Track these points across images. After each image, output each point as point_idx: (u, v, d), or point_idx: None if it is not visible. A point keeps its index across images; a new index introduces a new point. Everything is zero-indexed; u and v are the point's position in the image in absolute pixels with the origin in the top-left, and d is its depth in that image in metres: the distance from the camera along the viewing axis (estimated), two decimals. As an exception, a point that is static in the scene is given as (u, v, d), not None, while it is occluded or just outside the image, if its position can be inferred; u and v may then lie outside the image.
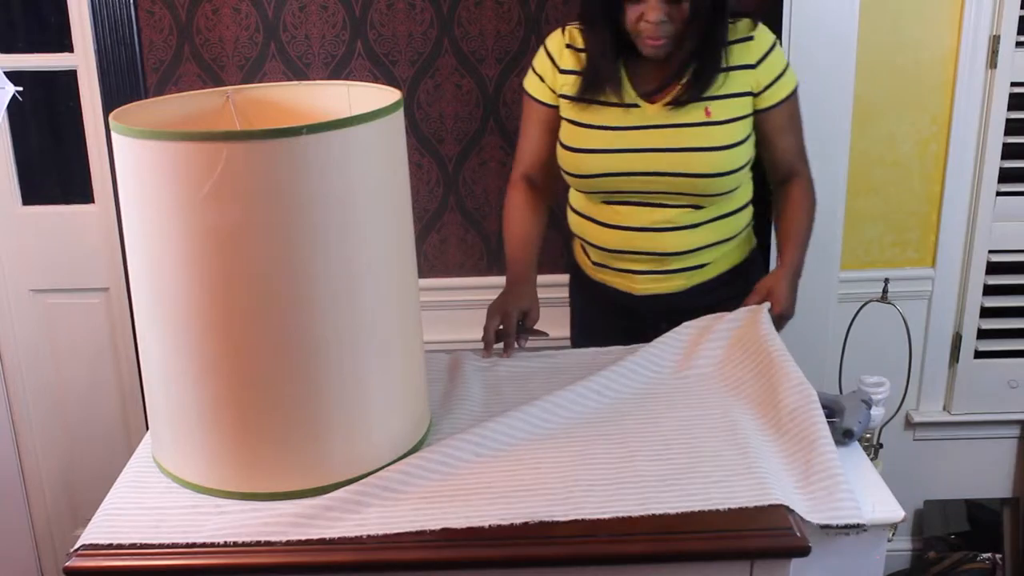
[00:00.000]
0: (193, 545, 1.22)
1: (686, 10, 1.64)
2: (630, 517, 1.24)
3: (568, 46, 1.80)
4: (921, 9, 2.19)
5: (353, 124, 1.21)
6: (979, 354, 2.44)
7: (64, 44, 2.30)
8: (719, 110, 1.73)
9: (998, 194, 2.31)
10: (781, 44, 2.13)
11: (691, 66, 1.71)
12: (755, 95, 1.75)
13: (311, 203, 1.20)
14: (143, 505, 1.31)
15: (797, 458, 1.36)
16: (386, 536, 1.23)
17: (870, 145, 2.28)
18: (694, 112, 1.73)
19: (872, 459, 1.57)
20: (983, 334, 2.43)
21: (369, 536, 1.23)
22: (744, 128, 1.75)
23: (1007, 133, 2.27)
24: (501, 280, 1.85)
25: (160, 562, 1.21)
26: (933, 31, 2.20)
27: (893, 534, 1.47)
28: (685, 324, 1.68)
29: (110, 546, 1.22)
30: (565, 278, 2.08)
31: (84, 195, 2.40)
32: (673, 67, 1.72)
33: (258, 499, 1.29)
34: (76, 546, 1.23)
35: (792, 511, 1.25)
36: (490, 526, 1.23)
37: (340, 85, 1.49)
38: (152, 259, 1.24)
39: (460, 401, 1.54)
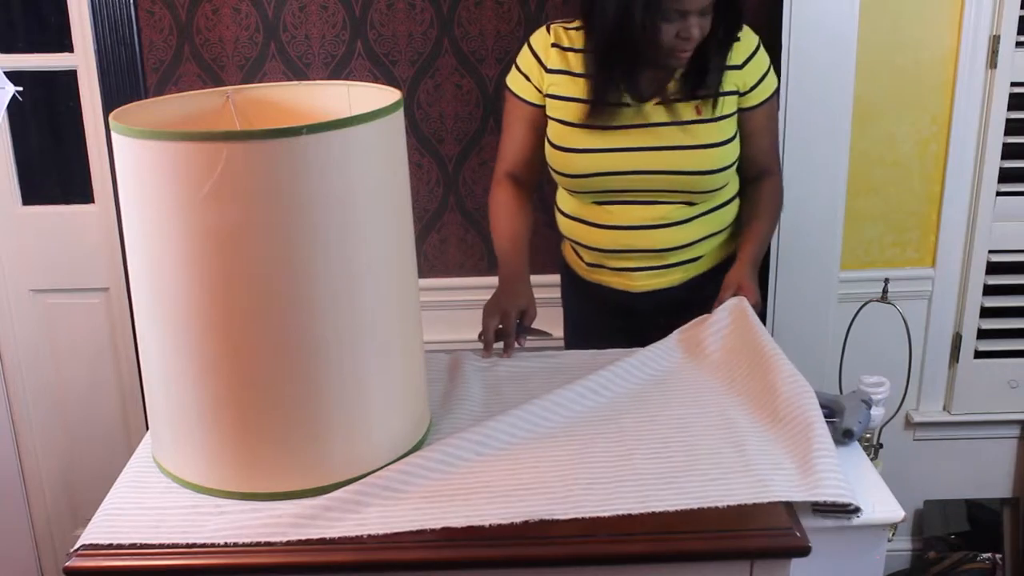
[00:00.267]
0: (193, 545, 1.22)
1: (710, 22, 1.66)
2: (630, 515, 1.24)
3: (554, 45, 1.79)
4: (921, 9, 2.19)
5: (353, 124, 1.21)
6: (979, 354, 2.44)
7: (64, 44, 2.30)
8: (709, 108, 1.75)
9: (998, 194, 2.31)
10: (781, 44, 2.15)
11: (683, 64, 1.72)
12: (740, 94, 1.78)
13: (311, 203, 1.20)
14: (143, 505, 1.31)
15: (796, 441, 1.37)
16: (386, 536, 1.23)
17: (870, 145, 2.28)
18: (685, 110, 1.74)
19: (872, 459, 1.57)
20: (983, 334, 2.43)
21: (369, 536, 1.23)
22: (732, 126, 1.79)
23: (1007, 133, 2.27)
24: (501, 280, 1.84)
25: (160, 562, 1.21)
26: (933, 31, 2.20)
27: (893, 534, 1.47)
28: (678, 329, 1.71)
29: (110, 546, 1.22)
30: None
31: (84, 195, 2.40)
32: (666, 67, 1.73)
33: (258, 499, 1.29)
34: (76, 546, 1.23)
35: (790, 506, 1.25)
36: (490, 525, 1.23)
37: (340, 85, 1.49)
38: (152, 259, 1.24)
39: (460, 401, 1.54)
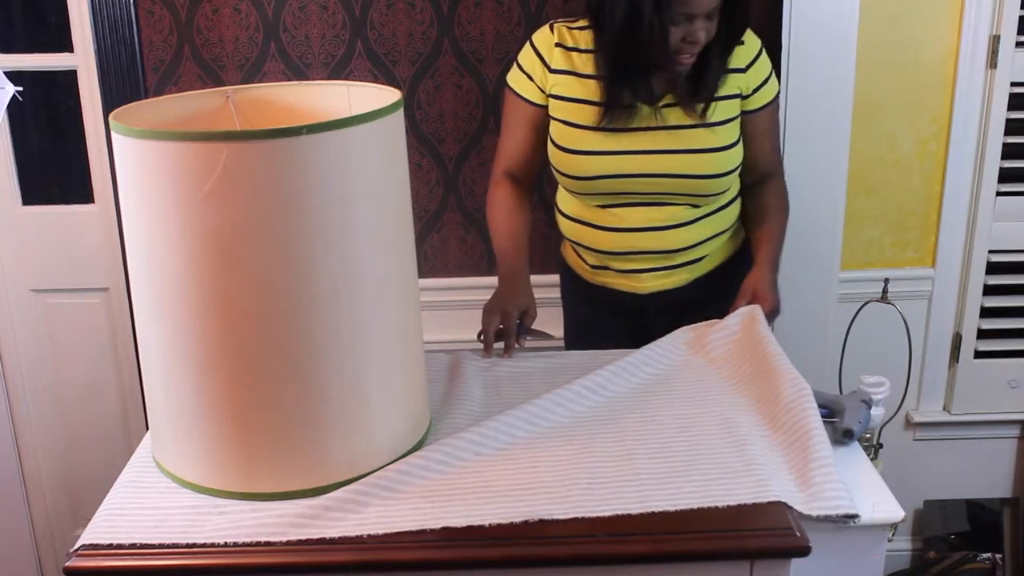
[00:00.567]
0: (193, 545, 1.22)
1: (715, 25, 1.66)
2: (629, 515, 1.24)
3: (559, 45, 1.78)
4: (921, 9, 2.19)
5: (353, 124, 1.21)
6: (979, 354, 2.44)
7: (64, 44, 2.30)
8: (714, 112, 1.75)
9: (998, 194, 2.31)
10: (781, 44, 2.15)
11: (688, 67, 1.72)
12: (743, 97, 1.78)
13: (311, 203, 1.19)
14: (143, 505, 1.31)
15: (794, 450, 1.37)
16: (386, 536, 1.23)
17: (870, 145, 2.28)
18: (690, 114, 1.74)
19: (872, 459, 1.56)
20: (983, 334, 2.43)
21: (369, 536, 1.23)
22: (737, 129, 1.78)
23: (1007, 133, 2.27)
24: (501, 280, 1.84)
25: (160, 562, 1.21)
26: (933, 31, 2.20)
27: (893, 534, 1.47)
28: (682, 328, 1.70)
29: (110, 546, 1.22)
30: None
31: (84, 195, 2.40)
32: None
33: (258, 499, 1.29)
34: (76, 546, 1.23)
35: (791, 508, 1.25)
36: (490, 525, 1.23)
37: (340, 85, 1.49)
38: (152, 259, 1.24)
39: (460, 401, 1.54)
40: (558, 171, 1.82)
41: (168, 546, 1.22)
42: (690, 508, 1.25)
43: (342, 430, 1.30)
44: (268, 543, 1.22)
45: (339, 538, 1.23)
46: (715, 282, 1.88)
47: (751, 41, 1.78)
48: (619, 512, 1.25)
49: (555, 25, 1.81)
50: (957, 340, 2.44)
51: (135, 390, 2.49)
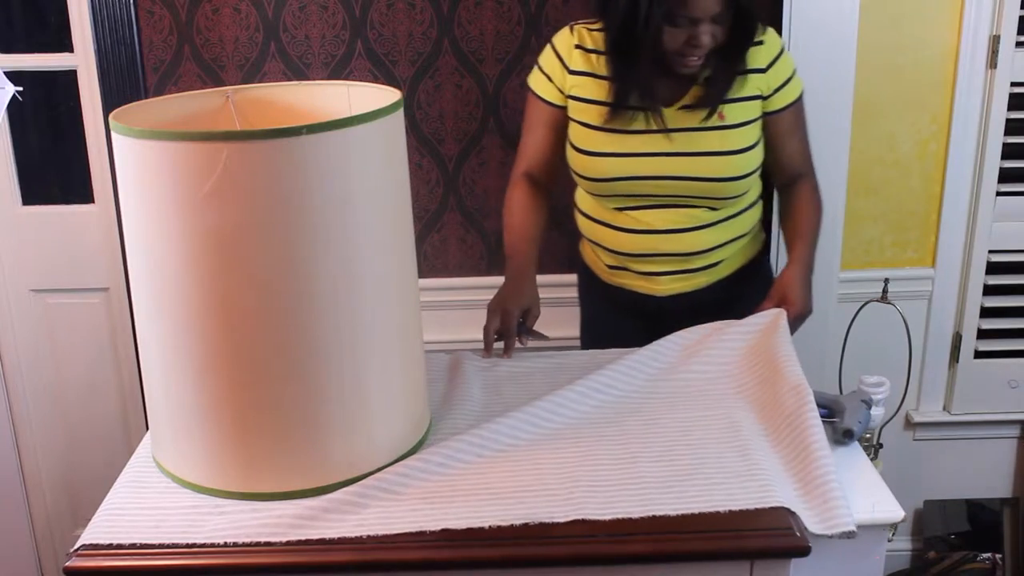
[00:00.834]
0: (193, 545, 1.22)
1: (723, 29, 1.65)
2: (630, 518, 1.24)
3: (578, 46, 1.78)
4: (921, 9, 2.19)
5: (353, 124, 1.21)
6: (979, 354, 2.43)
7: (64, 44, 2.30)
8: (732, 114, 1.73)
9: (998, 194, 2.31)
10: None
11: (707, 70, 1.71)
12: (764, 98, 1.76)
13: (311, 203, 1.19)
14: (143, 505, 1.31)
15: (794, 465, 1.36)
16: (386, 536, 1.23)
17: (870, 145, 2.28)
18: (706, 116, 1.72)
19: (872, 459, 1.56)
20: (983, 334, 2.42)
21: (369, 536, 1.23)
22: (756, 131, 1.76)
23: (1007, 133, 2.27)
24: (501, 280, 1.83)
25: (160, 562, 1.21)
26: (933, 31, 2.20)
27: (893, 534, 1.47)
28: (693, 328, 1.68)
29: (110, 546, 1.22)
30: (567, 278, 2.07)
31: (84, 195, 2.40)
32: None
33: (258, 499, 1.29)
34: (76, 546, 1.23)
35: (793, 512, 1.25)
36: (489, 527, 1.23)
37: (340, 85, 1.49)
38: (152, 259, 1.24)
39: (460, 401, 1.54)
40: (575, 172, 1.81)
41: (168, 546, 1.22)
42: (692, 512, 1.25)
43: (342, 430, 1.30)
44: (268, 543, 1.22)
45: (339, 538, 1.23)
46: (734, 287, 1.86)
47: (772, 41, 1.75)
48: (620, 516, 1.24)
49: (575, 26, 1.80)
50: (957, 340, 2.44)
51: (135, 390, 2.49)
